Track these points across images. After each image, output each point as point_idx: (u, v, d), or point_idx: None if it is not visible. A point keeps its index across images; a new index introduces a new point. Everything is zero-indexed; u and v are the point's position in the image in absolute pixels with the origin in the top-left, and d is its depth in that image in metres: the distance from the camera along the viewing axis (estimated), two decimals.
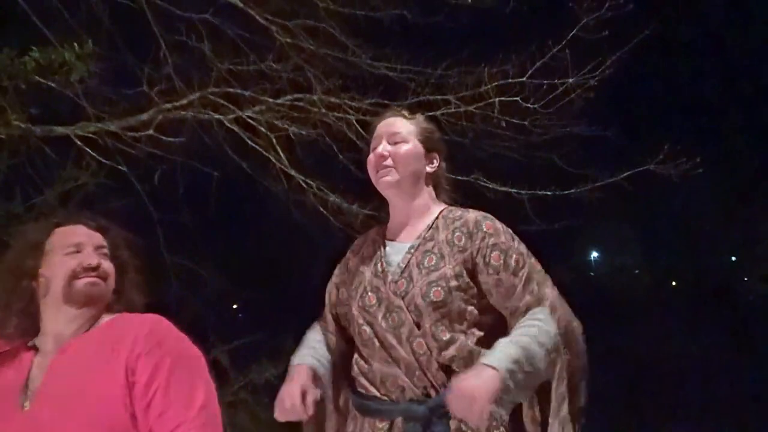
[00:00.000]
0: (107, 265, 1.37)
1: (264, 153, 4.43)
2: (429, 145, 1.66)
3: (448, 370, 1.49)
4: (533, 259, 1.56)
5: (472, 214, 1.59)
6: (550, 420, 1.48)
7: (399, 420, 1.48)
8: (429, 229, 1.60)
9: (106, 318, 1.36)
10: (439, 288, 1.50)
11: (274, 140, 4.41)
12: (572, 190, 4.44)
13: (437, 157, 1.68)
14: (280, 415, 1.52)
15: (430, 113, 4.37)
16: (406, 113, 1.71)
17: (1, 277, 1.34)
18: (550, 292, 1.53)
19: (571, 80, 4.22)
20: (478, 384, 1.33)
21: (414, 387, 1.49)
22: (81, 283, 1.31)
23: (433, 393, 1.48)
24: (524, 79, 4.25)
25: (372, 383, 1.55)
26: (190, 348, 1.33)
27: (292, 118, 4.46)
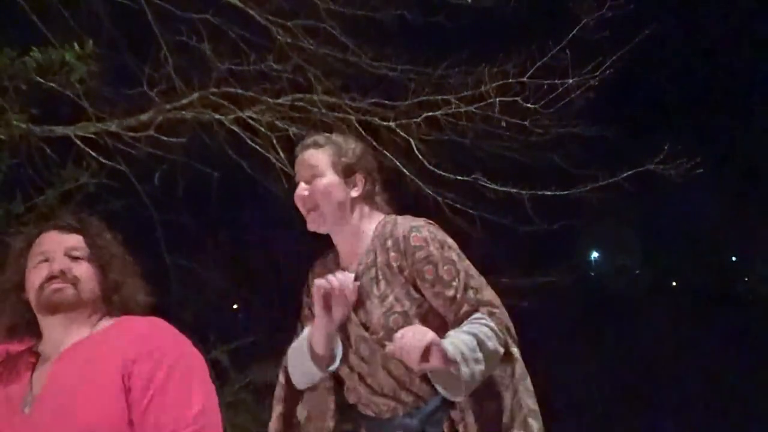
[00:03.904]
0: (80, 269, 1.34)
1: (264, 153, 4.43)
2: (347, 170, 1.59)
3: (429, 380, 1.51)
4: (466, 263, 1.54)
5: (400, 228, 1.55)
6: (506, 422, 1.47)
7: None
8: (368, 253, 1.57)
9: (106, 322, 1.35)
10: (396, 314, 1.50)
11: (274, 140, 4.40)
12: (572, 190, 4.44)
13: (360, 177, 1.61)
14: (320, 292, 1.50)
15: (430, 113, 4.37)
16: (319, 139, 1.63)
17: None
18: (488, 294, 1.53)
19: (571, 80, 4.22)
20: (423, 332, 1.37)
21: (404, 403, 1.52)
22: (46, 292, 1.30)
23: (422, 404, 1.51)
24: (524, 79, 4.24)
25: (367, 407, 1.57)
26: (188, 351, 1.31)
27: (292, 118, 4.46)
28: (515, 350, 1.50)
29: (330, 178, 1.57)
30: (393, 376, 1.51)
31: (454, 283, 1.50)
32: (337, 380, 1.64)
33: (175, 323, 1.36)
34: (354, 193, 1.59)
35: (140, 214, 4.55)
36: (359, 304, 1.55)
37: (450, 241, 1.56)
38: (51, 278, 1.30)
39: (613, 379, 10.65)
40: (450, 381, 1.41)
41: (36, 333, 1.36)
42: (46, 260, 1.33)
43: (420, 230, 1.54)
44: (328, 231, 1.61)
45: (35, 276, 1.32)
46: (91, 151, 4.04)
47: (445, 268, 1.51)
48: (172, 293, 4.83)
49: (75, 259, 1.35)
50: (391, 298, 1.51)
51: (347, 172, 1.59)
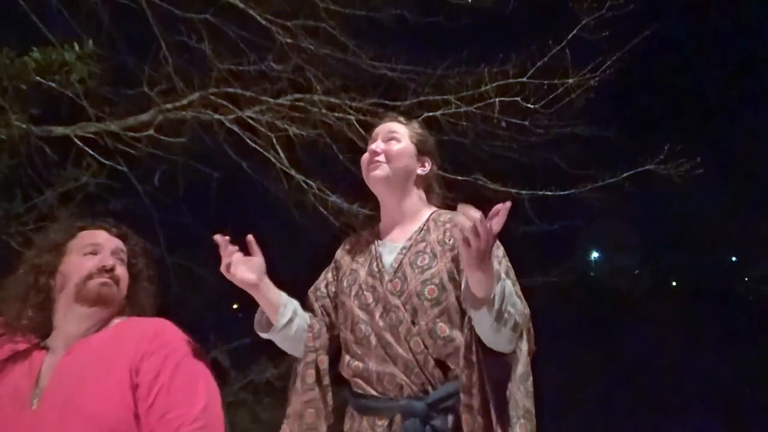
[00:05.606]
0: (121, 271, 1.42)
1: (264, 153, 4.43)
2: (421, 148, 1.73)
3: (444, 367, 1.51)
4: (509, 264, 1.60)
5: (461, 217, 1.59)
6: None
7: (398, 417, 1.50)
8: (420, 231, 1.64)
9: (116, 321, 1.40)
10: (433, 285, 1.53)
11: (274, 140, 4.41)
12: (572, 190, 4.44)
13: (429, 161, 1.74)
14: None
15: (430, 113, 4.37)
16: (402, 119, 1.77)
17: (21, 272, 1.40)
18: (518, 292, 1.55)
19: (571, 80, 4.23)
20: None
21: (412, 384, 1.51)
22: (94, 283, 1.36)
23: (430, 389, 1.51)
24: (524, 79, 4.26)
25: (368, 382, 1.56)
26: (194, 351, 1.36)
27: (292, 118, 4.46)
28: (524, 347, 1.49)
29: (406, 145, 1.71)
30: (411, 350, 1.52)
31: None
32: (333, 379, 1.63)
33: (175, 323, 1.41)
34: (420, 171, 1.72)
35: (140, 214, 4.55)
36: (399, 273, 1.59)
37: (499, 244, 1.61)
38: (102, 271, 1.38)
39: (614, 379, 10.66)
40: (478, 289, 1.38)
41: (45, 322, 1.38)
42: (95, 253, 1.40)
43: None
44: (386, 189, 1.68)
45: (82, 264, 1.38)
46: (91, 151, 4.04)
47: None
48: (172, 293, 4.82)
49: (119, 260, 1.43)
50: (433, 270, 1.56)
51: (420, 150, 1.73)
